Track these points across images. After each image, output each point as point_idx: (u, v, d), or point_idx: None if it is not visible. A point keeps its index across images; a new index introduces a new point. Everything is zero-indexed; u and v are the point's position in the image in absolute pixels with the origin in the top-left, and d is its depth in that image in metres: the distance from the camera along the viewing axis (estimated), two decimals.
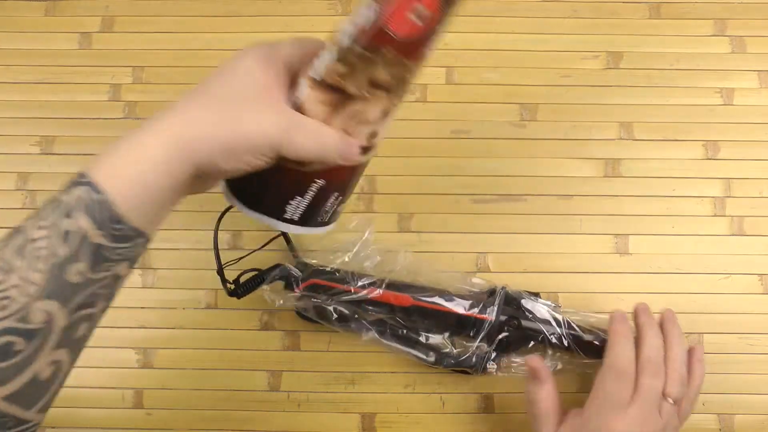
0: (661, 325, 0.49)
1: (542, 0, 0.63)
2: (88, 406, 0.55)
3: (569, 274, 0.57)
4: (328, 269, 0.53)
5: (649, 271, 0.57)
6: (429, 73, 0.61)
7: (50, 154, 0.60)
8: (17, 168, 0.60)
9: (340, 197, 0.41)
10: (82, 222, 0.31)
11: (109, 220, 0.32)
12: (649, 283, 0.57)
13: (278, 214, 0.40)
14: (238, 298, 0.52)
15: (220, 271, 0.50)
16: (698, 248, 0.58)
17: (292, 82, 0.37)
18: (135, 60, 0.62)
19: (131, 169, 0.32)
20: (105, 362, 0.56)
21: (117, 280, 0.34)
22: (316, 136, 0.35)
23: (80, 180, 0.32)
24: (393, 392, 0.56)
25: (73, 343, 0.33)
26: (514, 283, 0.55)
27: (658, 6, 0.63)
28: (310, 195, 0.39)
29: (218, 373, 0.56)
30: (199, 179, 0.35)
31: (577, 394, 0.54)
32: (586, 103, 0.61)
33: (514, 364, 0.53)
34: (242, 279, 0.53)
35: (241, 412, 0.55)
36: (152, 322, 0.57)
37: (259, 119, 0.34)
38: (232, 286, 0.52)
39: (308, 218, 0.41)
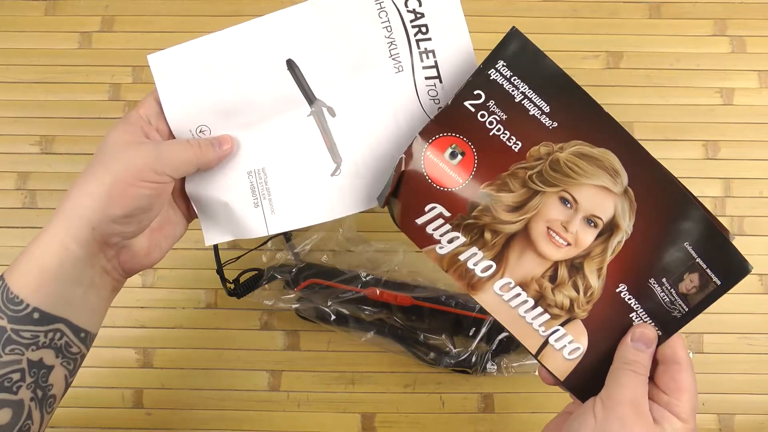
0: None
1: (542, 0, 0.63)
2: (88, 405, 0.55)
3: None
4: (327, 267, 0.53)
5: None
6: None
7: (50, 153, 0.60)
8: (17, 167, 0.60)
9: None
10: None
11: (5, 302, 0.33)
12: None
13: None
14: (238, 297, 0.52)
15: (220, 271, 0.50)
16: None
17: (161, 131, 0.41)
18: (135, 60, 0.62)
19: (27, 255, 0.34)
20: (105, 362, 0.56)
21: (42, 369, 0.34)
22: (183, 142, 0.39)
23: None
24: (393, 392, 0.56)
25: None
26: None
27: (658, 6, 0.63)
28: None
29: (218, 373, 0.56)
30: (108, 246, 0.37)
31: None
32: None
33: (514, 364, 0.53)
34: (242, 279, 0.53)
35: (241, 412, 0.55)
36: (152, 321, 0.57)
37: (127, 155, 0.36)
38: (232, 286, 0.52)
39: None
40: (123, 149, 0.36)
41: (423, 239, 0.38)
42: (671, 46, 0.62)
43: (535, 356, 0.38)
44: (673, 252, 0.37)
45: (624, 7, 0.63)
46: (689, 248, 0.37)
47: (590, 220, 0.38)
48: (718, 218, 0.58)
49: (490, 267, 0.38)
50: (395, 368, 0.56)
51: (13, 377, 0.33)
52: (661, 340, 0.37)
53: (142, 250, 0.39)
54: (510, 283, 0.38)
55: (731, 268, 0.38)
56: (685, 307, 0.37)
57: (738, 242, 0.57)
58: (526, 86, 0.38)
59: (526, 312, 0.38)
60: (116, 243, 0.37)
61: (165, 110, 0.40)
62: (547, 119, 0.38)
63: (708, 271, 0.38)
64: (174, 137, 0.41)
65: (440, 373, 0.55)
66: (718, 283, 0.37)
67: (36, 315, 0.33)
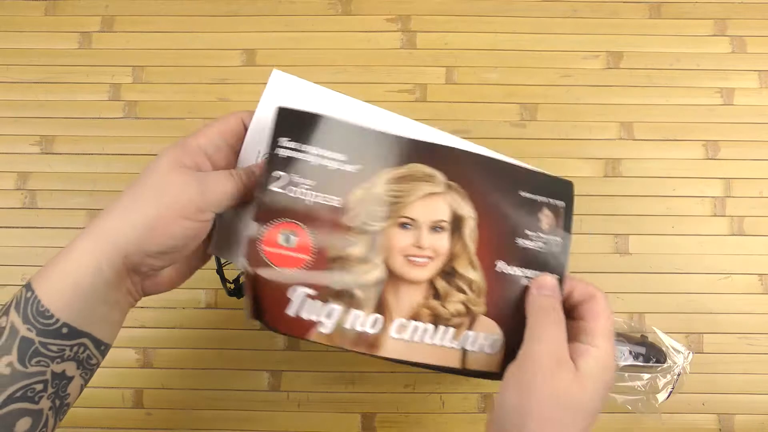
0: None
1: (542, 0, 0.63)
2: (88, 405, 0.55)
3: (569, 274, 0.57)
4: None
5: (649, 271, 0.57)
6: (429, 73, 0.61)
7: (50, 153, 0.60)
8: (17, 167, 0.60)
9: None
10: (13, 317, 0.33)
11: (35, 314, 0.33)
12: (649, 283, 0.57)
13: None
14: (238, 297, 0.52)
15: (220, 271, 0.50)
16: (698, 248, 0.58)
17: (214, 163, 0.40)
18: (135, 60, 0.62)
19: (60, 267, 0.34)
20: (105, 362, 0.55)
21: (63, 380, 0.35)
22: (226, 174, 0.38)
23: (26, 282, 0.35)
24: (393, 392, 0.56)
25: None
26: None
27: (658, 6, 0.63)
28: None
29: (218, 373, 0.56)
30: (138, 274, 0.37)
31: None
32: (586, 103, 0.61)
33: None
34: (242, 279, 0.53)
35: (241, 412, 0.55)
36: (152, 321, 0.57)
37: (173, 189, 0.36)
38: (232, 286, 0.52)
39: None
40: (171, 180, 0.36)
41: (303, 327, 0.37)
42: (671, 46, 0.62)
43: (463, 369, 0.39)
44: (518, 206, 0.40)
45: (624, 7, 0.63)
46: (526, 194, 0.41)
47: (435, 228, 0.39)
48: (718, 218, 0.59)
49: (376, 320, 0.38)
50: (395, 368, 0.56)
51: (36, 388, 0.33)
52: (560, 282, 0.40)
53: (166, 278, 0.40)
54: (402, 322, 0.38)
55: (560, 189, 0.42)
56: (558, 238, 0.41)
57: (738, 242, 0.58)
58: (315, 148, 0.38)
59: (431, 338, 0.39)
60: (145, 272, 0.37)
61: (254, 120, 0.41)
62: (349, 166, 0.39)
63: (550, 200, 0.41)
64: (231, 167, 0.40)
65: (440, 373, 0.55)
66: (563, 204, 0.42)
67: (65, 330, 0.34)
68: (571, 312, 0.39)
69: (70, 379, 0.35)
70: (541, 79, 0.61)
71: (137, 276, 0.37)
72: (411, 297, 0.38)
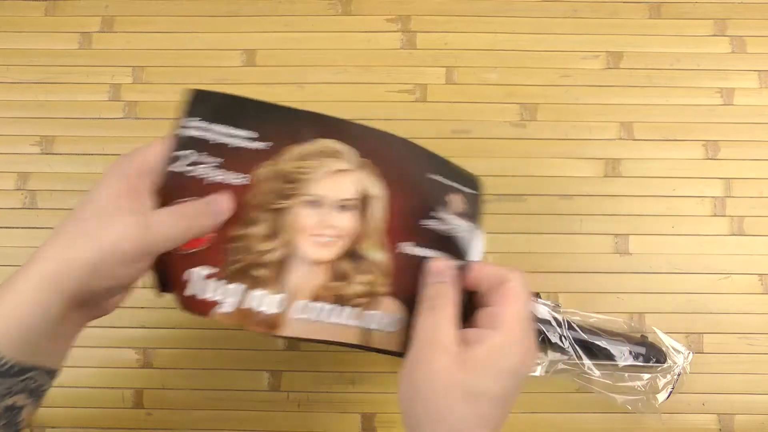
0: None
1: (542, 0, 0.63)
2: (88, 406, 0.55)
3: (569, 274, 0.57)
4: None
5: (649, 271, 0.57)
6: (429, 73, 0.61)
7: (50, 153, 0.60)
8: (17, 168, 0.60)
9: None
10: None
11: None
12: (649, 283, 0.57)
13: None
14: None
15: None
16: (698, 248, 0.58)
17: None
18: (135, 60, 0.62)
19: (5, 305, 0.33)
20: (105, 362, 0.56)
21: (14, 410, 0.34)
22: (180, 213, 0.36)
23: None
24: (393, 392, 0.55)
25: None
26: None
27: (658, 6, 0.63)
28: None
29: (218, 373, 0.56)
30: (84, 307, 0.36)
31: (575, 395, 0.54)
32: (586, 103, 0.61)
33: None
34: None
35: (241, 412, 0.55)
36: (152, 321, 0.57)
37: (113, 231, 0.34)
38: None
39: None
40: (111, 221, 0.34)
41: (203, 306, 0.37)
42: (671, 46, 0.62)
43: (364, 346, 0.39)
44: (427, 187, 0.40)
45: (624, 7, 0.63)
46: (434, 177, 0.40)
47: (342, 206, 0.38)
48: (718, 218, 0.59)
49: (279, 300, 0.38)
50: (395, 368, 0.55)
51: None
52: (466, 266, 0.39)
53: (110, 305, 0.40)
54: (306, 303, 0.38)
55: (468, 178, 0.42)
56: (466, 223, 0.41)
57: (738, 242, 0.58)
58: (223, 127, 0.37)
59: (336, 317, 0.38)
60: (92, 304, 0.37)
61: None
62: (259, 143, 0.38)
63: (459, 186, 0.41)
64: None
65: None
66: (471, 192, 0.42)
67: (15, 369, 0.33)
68: (483, 299, 0.38)
69: (21, 408, 0.35)
70: (541, 79, 0.61)
71: (85, 309, 0.36)
72: (315, 277, 0.38)
